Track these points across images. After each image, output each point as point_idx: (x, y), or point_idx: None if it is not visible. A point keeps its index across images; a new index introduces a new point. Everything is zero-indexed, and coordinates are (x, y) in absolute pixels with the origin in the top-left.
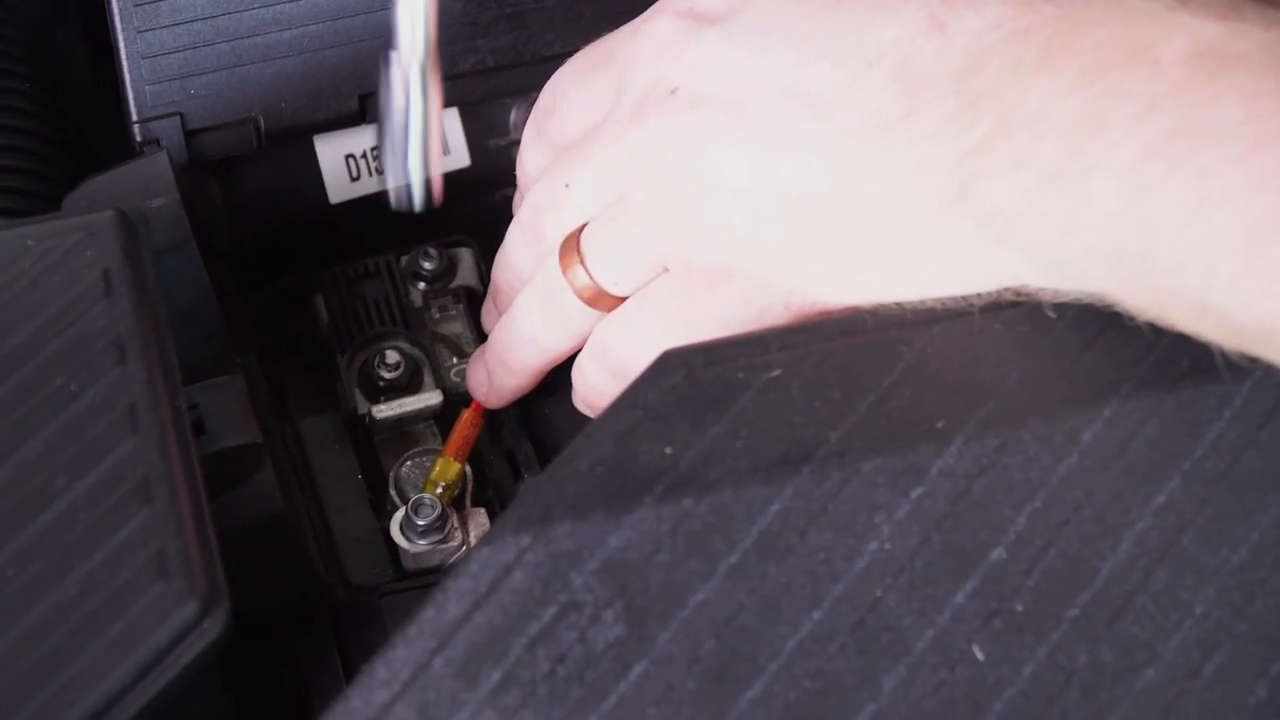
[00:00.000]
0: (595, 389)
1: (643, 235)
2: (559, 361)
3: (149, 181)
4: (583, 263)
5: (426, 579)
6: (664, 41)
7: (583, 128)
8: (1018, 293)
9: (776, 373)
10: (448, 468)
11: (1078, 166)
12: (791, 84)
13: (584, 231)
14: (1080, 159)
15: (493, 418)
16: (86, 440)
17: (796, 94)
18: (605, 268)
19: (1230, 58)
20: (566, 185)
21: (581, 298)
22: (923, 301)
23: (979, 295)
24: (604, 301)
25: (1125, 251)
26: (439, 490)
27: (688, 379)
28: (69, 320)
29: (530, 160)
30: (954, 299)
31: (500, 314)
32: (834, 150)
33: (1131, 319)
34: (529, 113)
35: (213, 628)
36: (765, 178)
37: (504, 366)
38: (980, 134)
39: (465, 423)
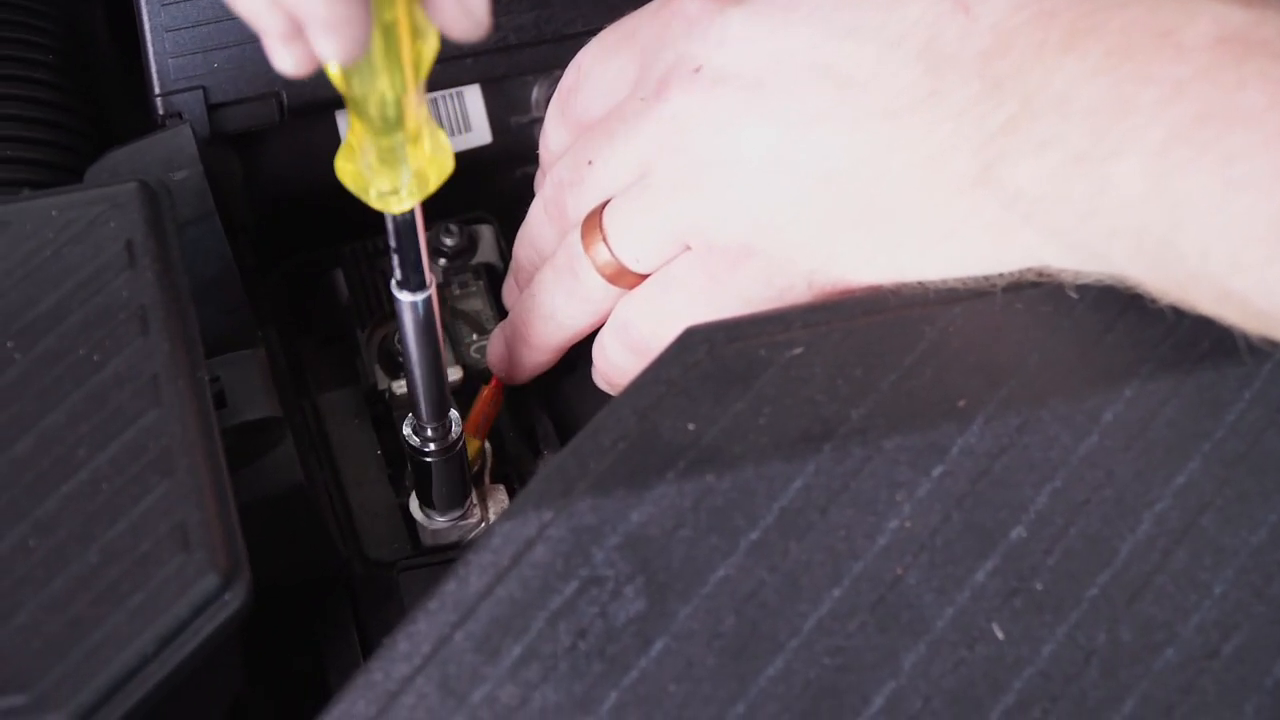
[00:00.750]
0: (616, 366)
1: (665, 213)
2: (580, 338)
3: (172, 154)
4: (605, 240)
5: (445, 555)
6: (689, 19)
7: (606, 105)
8: (1040, 273)
9: (799, 350)
10: (468, 444)
11: (1103, 149)
12: (815, 62)
13: (606, 208)
14: (1105, 142)
15: (512, 394)
16: (109, 411)
17: (820, 72)
18: (627, 245)
19: (1255, 44)
20: (590, 162)
21: (604, 275)
22: (945, 281)
23: (1001, 275)
24: (626, 279)
25: (1149, 235)
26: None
27: (711, 355)
28: (92, 291)
29: (554, 138)
30: (976, 279)
31: (521, 290)
32: (857, 129)
33: (1153, 301)
34: (552, 90)
35: (234, 600)
36: (788, 156)
37: (525, 342)
38: (1005, 116)
39: (485, 399)
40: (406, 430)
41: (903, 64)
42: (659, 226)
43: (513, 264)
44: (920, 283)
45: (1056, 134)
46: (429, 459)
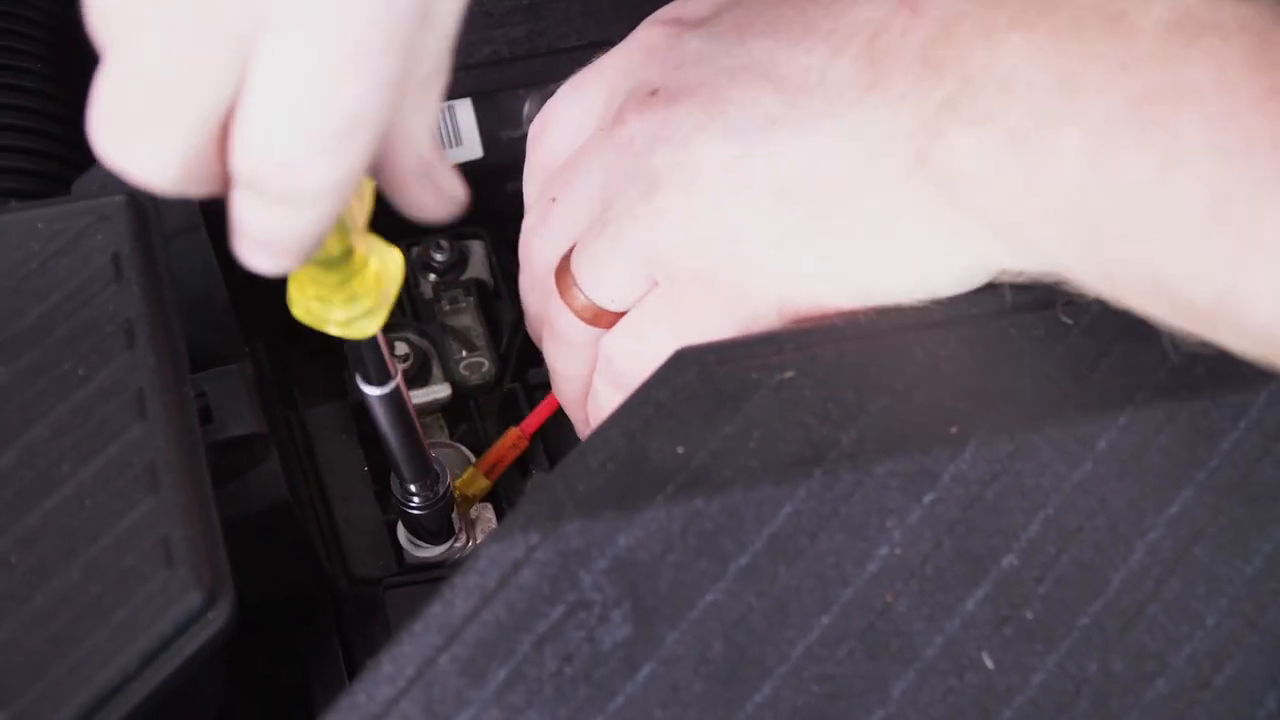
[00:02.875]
0: (599, 405)
1: (627, 248)
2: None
3: None
4: (577, 284)
5: (430, 573)
6: (650, 48)
7: (572, 146)
8: (987, 271)
9: (790, 373)
10: (476, 480)
11: (1043, 125)
12: (767, 72)
13: (573, 251)
14: (1047, 118)
15: (503, 413)
16: (93, 425)
17: (771, 81)
18: (598, 285)
19: (1208, 25)
20: (552, 200)
21: (584, 319)
22: (913, 300)
23: (952, 280)
24: (605, 319)
25: (1084, 215)
26: (460, 501)
27: (701, 377)
28: (78, 304)
29: (527, 189)
30: (943, 298)
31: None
32: (805, 133)
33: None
34: (543, 104)
35: (217, 618)
36: (741, 170)
37: (566, 408)
38: (944, 94)
39: (507, 443)
40: (393, 486)
41: (847, 64)
42: (623, 263)
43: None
44: (889, 306)
45: (995, 109)
46: (415, 511)
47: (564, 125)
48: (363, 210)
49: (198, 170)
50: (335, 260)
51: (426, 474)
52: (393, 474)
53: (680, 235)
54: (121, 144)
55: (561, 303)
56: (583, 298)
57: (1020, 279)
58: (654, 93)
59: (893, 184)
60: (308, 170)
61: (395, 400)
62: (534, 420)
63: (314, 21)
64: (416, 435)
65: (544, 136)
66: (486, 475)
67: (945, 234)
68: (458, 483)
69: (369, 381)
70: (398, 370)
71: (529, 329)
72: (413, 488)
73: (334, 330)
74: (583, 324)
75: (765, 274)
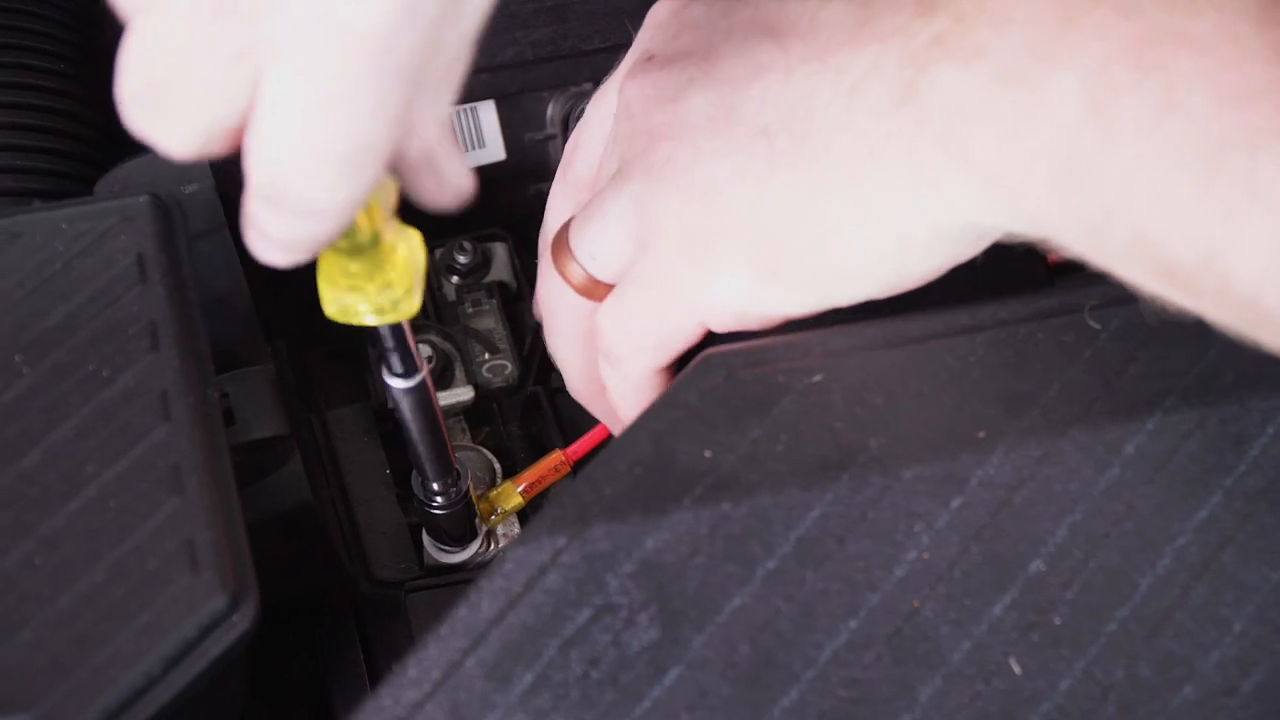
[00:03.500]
0: (608, 387)
1: (619, 201)
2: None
3: (184, 167)
4: (573, 255)
5: (453, 576)
6: (655, 24)
7: (596, 149)
8: (965, 224)
9: (818, 377)
10: (510, 497)
11: (1038, 64)
12: (761, 24)
13: (570, 223)
14: (1041, 56)
15: (525, 416)
16: (118, 426)
17: (764, 32)
18: (592, 250)
19: None
20: (555, 194)
21: (581, 293)
22: (889, 254)
23: (929, 232)
24: (599, 292)
25: (1073, 160)
26: (494, 515)
27: (728, 381)
28: (103, 305)
29: (553, 208)
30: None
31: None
32: (792, 74)
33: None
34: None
35: (241, 621)
36: (729, 114)
37: (588, 408)
38: (935, 30)
39: (549, 465)
40: (415, 486)
41: (839, 6)
42: (616, 221)
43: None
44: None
45: (989, 47)
46: (437, 512)
47: (588, 129)
48: (390, 194)
49: (220, 142)
50: (364, 246)
51: (449, 473)
52: (414, 474)
53: (668, 185)
54: (146, 115)
55: (560, 280)
56: (579, 270)
57: (995, 236)
58: (650, 58)
59: (875, 117)
60: (317, 190)
61: (422, 393)
62: (581, 447)
63: (316, 54)
64: (441, 431)
65: (576, 150)
66: (522, 494)
67: (925, 177)
68: (492, 494)
69: (396, 374)
70: (424, 363)
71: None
72: (435, 486)
73: (371, 320)
74: (580, 300)
75: (743, 220)
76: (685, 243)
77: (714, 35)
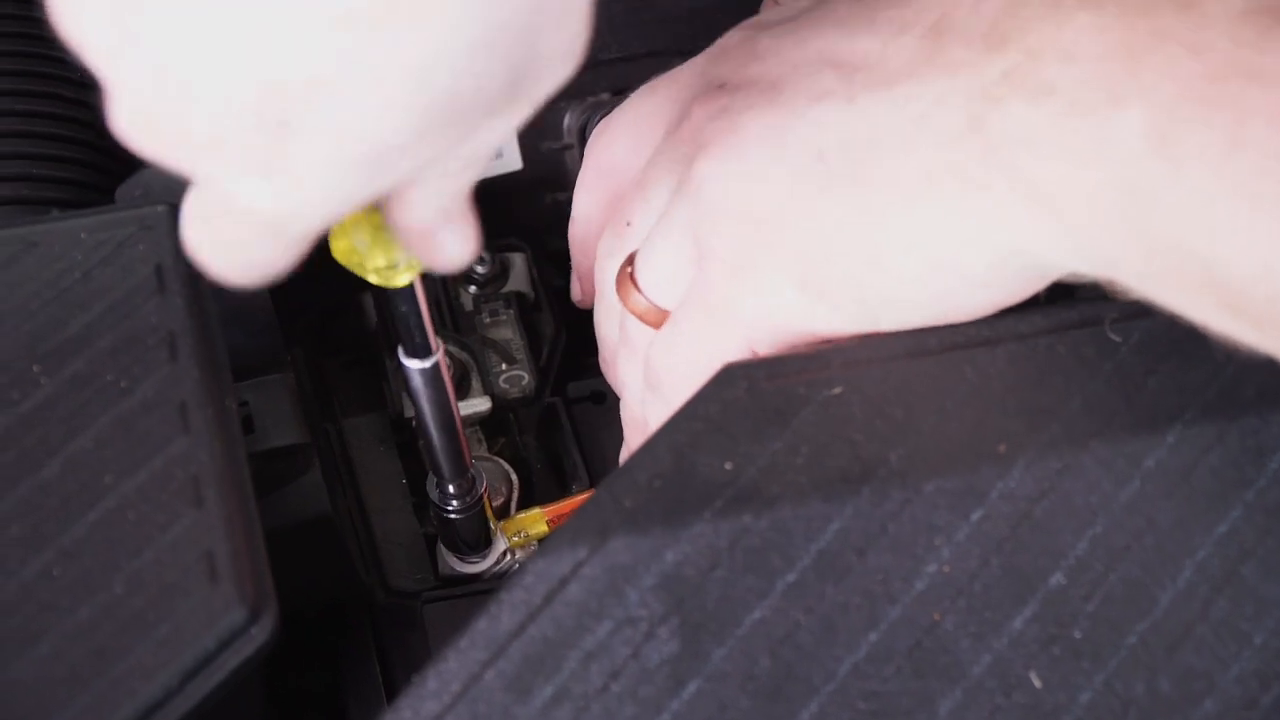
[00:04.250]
0: (638, 416)
1: (675, 223)
2: None
3: None
4: (635, 283)
5: (470, 587)
6: (723, 50)
7: (636, 145)
8: (1023, 258)
9: (838, 389)
10: (537, 523)
11: (1106, 99)
12: (828, 58)
13: (636, 253)
14: (1110, 92)
15: (542, 427)
16: (137, 437)
17: (831, 64)
18: (652, 278)
19: None
20: (628, 224)
21: (647, 322)
22: (941, 280)
23: (985, 263)
24: (662, 319)
25: (1140, 195)
26: (516, 536)
27: (749, 393)
28: (122, 314)
29: (582, 200)
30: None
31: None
32: (853, 102)
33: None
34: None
35: (260, 634)
36: (786, 136)
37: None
38: (1005, 66)
39: (583, 500)
40: (429, 487)
41: (909, 41)
42: (673, 244)
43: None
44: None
45: (1057, 83)
46: (453, 515)
47: (629, 126)
48: None
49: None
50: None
51: (464, 473)
52: (429, 479)
53: (719, 208)
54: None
55: (627, 311)
56: (643, 300)
57: (1056, 274)
58: (722, 86)
59: (939, 146)
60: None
61: (435, 377)
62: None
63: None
64: (455, 421)
65: (605, 137)
66: (549, 524)
67: (989, 207)
68: (520, 516)
69: (410, 353)
70: (439, 344)
71: (602, 360)
72: (451, 489)
73: (372, 277)
74: (647, 330)
75: (795, 240)
76: (736, 264)
77: (782, 66)
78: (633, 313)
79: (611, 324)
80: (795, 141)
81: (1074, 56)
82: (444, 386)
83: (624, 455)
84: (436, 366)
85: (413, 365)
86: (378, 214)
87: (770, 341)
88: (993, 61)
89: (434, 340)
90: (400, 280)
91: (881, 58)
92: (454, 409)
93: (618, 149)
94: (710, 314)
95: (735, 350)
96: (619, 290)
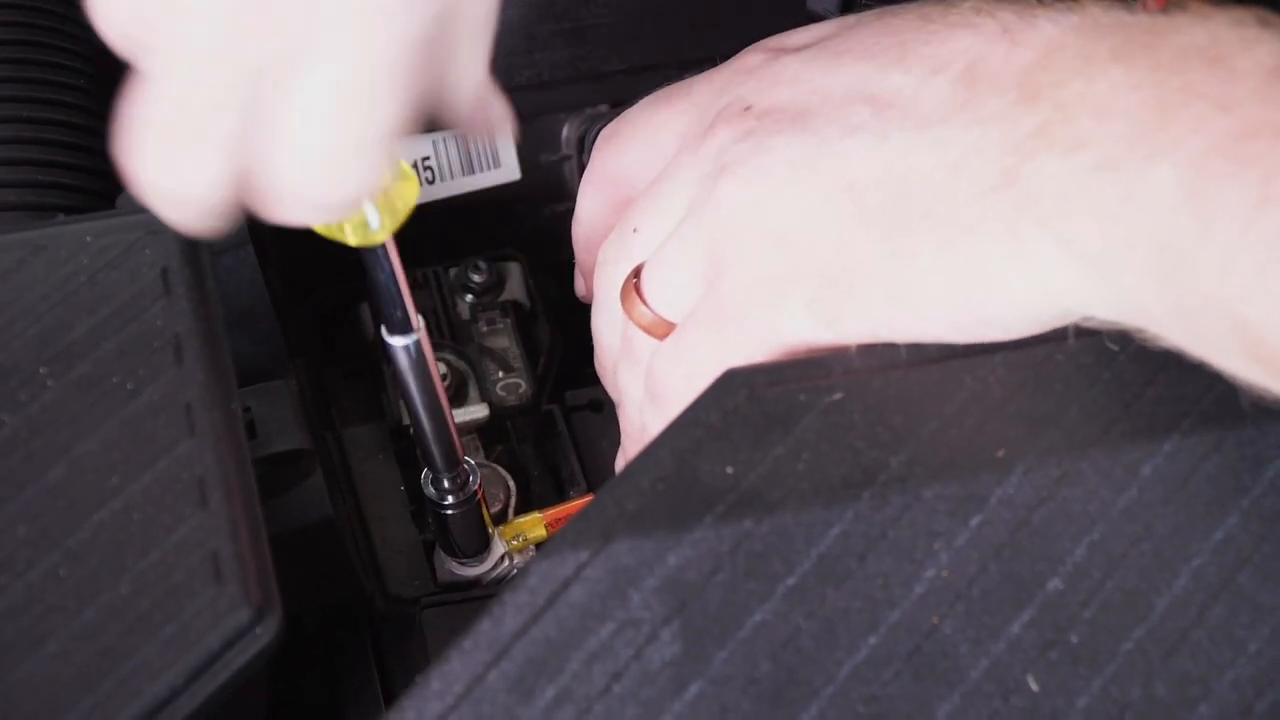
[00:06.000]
0: (637, 425)
1: (690, 238)
2: None
3: None
4: (641, 294)
5: (468, 593)
6: (747, 70)
7: (647, 157)
8: (1053, 305)
9: (839, 395)
10: (535, 527)
11: (1137, 155)
12: (860, 92)
13: (645, 262)
14: (1142, 147)
15: (539, 434)
16: (142, 440)
17: (863, 99)
18: (660, 290)
19: None
20: (634, 230)
21: (651, 334)
22: (966, 321)
23: (1014, 309)
24: (666, 331)
25: (1171, 249)
26: (514, 540)
27: (750, 399)
28: (127, 318)
29: (587, 203)
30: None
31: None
32: (887, 140)
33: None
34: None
35: (265, 634)
36: (813, 164)
37: (629, 433)
38: (1039, 120)
39: (582, 504)
40: (425, 483)
41: (942, 85)
42: (686, 258)
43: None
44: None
45: (1090, 137)
46: (448, 511)
47: (641, 133)
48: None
49: (222, 194)
50: None
51: (456, 464)
52: (424, 475)
53: (741, 228)
54: (156, 167)
55: (630, 321)
56: (649, 313)
57: (1079, 319)
58: (747, 108)
59: (975, 196)
60: (335, 186)
61: (419, 356)
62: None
63: (345, 47)
64: (441, 403)
65: (615, 140)
66: (548, 528)
67: (1019, 255)
68: (519, 521)
69: (392, 329)
70: (420, 321)
71: (599, 366)
72: (445, 483)
73: (351, 238)
74: (651, 341)
75: (817, 264)
76: (753, 284)
77: (811, 95)
78: (638, 324)
79: (612, 331)
80: (826, 171)
81: (1106, 111)
82: (428, 365)
83: (620, 463)
84: (419, 343)
85: (396, 342)
86: None
87: (775, 358)
88: (1026, 115)
89: (415, 317)
90: (375, 236)
91: (914, 98)
92: (440, 390)
93: (628, 156)
94: (719, 330)
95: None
96: (624, 301)
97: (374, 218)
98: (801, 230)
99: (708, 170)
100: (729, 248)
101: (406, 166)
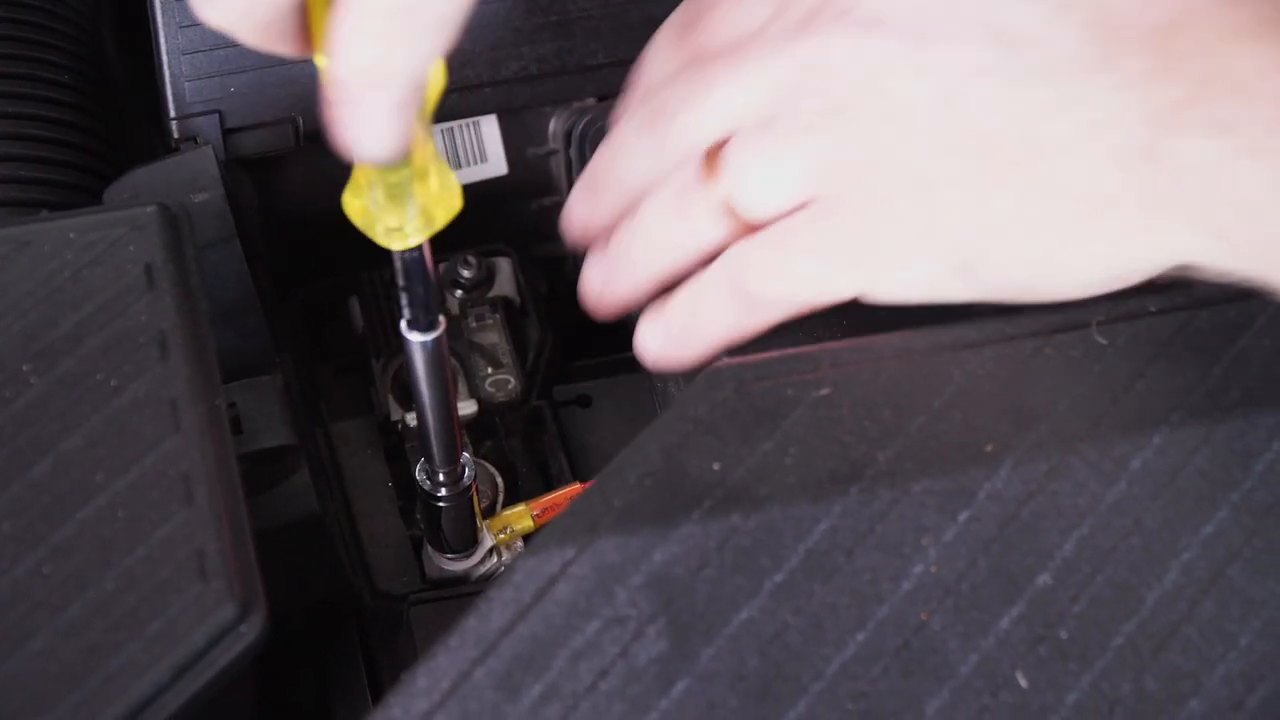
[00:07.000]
0: (707, 317)
1: (799, 154)
2: (679, 277)
3: (194, 176)
4: (724, 177)
5: (456, 589)
6: None
7: (732, 36)
8: (1178, 269)
9: (827, 390)
10: (523, 518)
11: None
12: (980, 18)
13: (730, 145)
14: None
15: (528, 430)
16: (127, 436)
17: (985, 28)
18: (749, 188)
19: None
20: (709, 87)
21: (719, 214)
22: (1074, 283)
23: (1133, 270)
24: (740, 222)
25: None
26: (502, 533)
27: (738, 394)
28: (111, 314)
29: (659, 64)
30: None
31: (599, 201)
32: (1021, 88)
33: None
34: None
35: (250, 631)
36: (946, 108)
37: (626, 268)
38: (1180, 94)
39: (569, 494)
40: (419, 474)
41: (1072, 29)
42: (791, 172)
43: (588, 175)
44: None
45: (1234, 120)
46: (440, 503)
47: (728, 10)
48: (433, 92)
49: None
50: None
51: (455, 459)
52: (419, 466)
53: (863, 159)
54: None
55: (702, 190)
56: (725, 194)
57: (1218, 278)
58: (848, 11)
59: (1118, 164)
60: (410, 61)
61: (437, 353)
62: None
63: None
64: (450, 401)
65: (703, 16)
66: (535, 519)
67: (1158, 219)
68: (505, 513)
69: (413, 325)
70: (443, 322)
71: (589, 190)
72: (441, 476)
73: (380, 237)
74: (716, 218)
75: (950, 213)
76: (887, 225)
77: (921, 7)
78: (709, 201)
79: (622, 166)
80: (957, 120)
81: (1248, 93)
82: (444, 363)
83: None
84: (439, 341)
85: (415, 338)
86: (393, 173)
87: (887, 298)
88: (1165, 88)
89: (441, 320)
90: (407, 242)
91: (1043, 38)
92: (451, 387)
93: (718, 37)
94: (835, 260)
95: (846, 295)
96: (704, 169)
97: (414, 222)
98: (938, 177)
99: (812, 85)
100: (849, 180)
101: (454, 180)
